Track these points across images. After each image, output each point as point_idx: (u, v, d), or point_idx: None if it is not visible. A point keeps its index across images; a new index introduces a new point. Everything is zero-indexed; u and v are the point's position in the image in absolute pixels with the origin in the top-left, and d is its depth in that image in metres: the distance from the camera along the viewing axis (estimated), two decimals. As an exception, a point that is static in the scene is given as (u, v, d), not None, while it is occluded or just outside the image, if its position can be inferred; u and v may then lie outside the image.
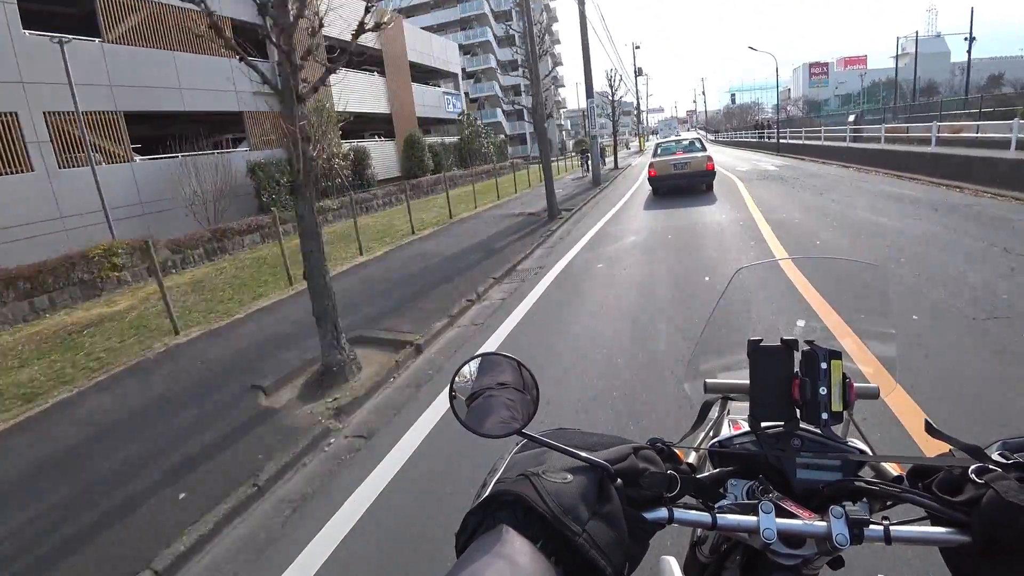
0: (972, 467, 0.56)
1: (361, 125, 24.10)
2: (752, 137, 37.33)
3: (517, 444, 0.63)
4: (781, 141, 25.70)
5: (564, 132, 62.27)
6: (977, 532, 0.53)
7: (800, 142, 23.95)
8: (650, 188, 12.58)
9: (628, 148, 60.73)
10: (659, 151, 12.92)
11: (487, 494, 0.52)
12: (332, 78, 19.32)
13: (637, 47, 49.93)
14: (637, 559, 0.55)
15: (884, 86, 67.99)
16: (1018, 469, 0.56)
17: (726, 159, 24.55)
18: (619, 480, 0.56)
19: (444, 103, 28.21)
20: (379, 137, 22.82)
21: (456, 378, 0.67)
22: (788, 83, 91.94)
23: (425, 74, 28.94)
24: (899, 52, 52.20)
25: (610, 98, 24.95)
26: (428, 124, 30.56)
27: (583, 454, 0.55)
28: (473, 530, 0.50)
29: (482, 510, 0.51)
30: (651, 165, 12.16)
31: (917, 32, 52.26)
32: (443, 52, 28.79)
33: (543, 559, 0.46)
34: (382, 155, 21.25)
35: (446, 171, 23.12)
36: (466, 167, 26.21)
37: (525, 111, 14.78)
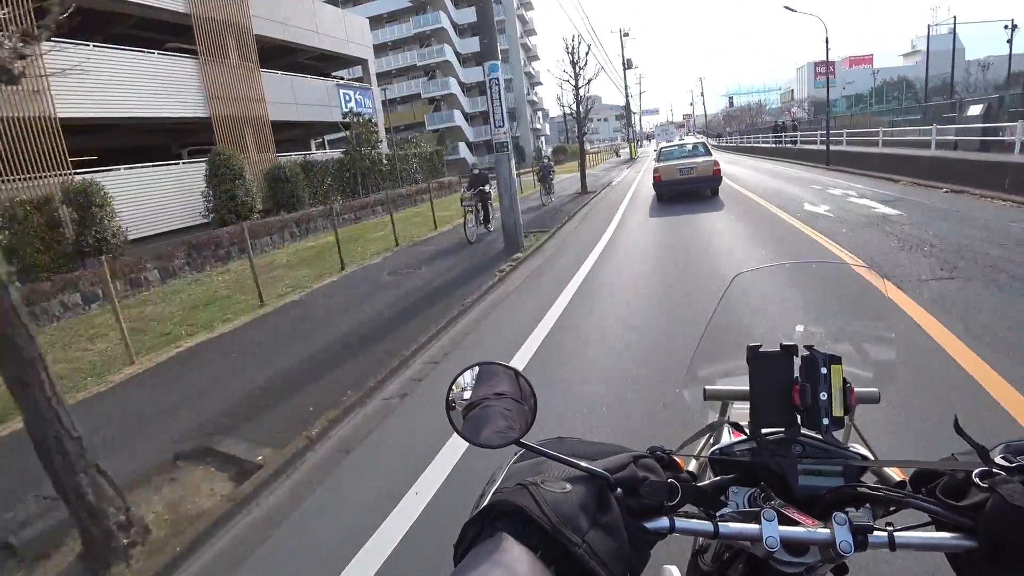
0: (976, 471, 0.56)
1: (172, 137, 15.47)
2: (769, 141, 28.78)
3: (516, 454, 0.62)
4: (832, 148, 16.96)
5: (543, 139, 53.50)
6: (983, 537, 0.52)
7: (871, 151, 15.31)
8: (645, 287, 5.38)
9: (618, 155, 51.92)
10: (662, 156, 12.45)
11: (485, 504, 0.51)
12: (55, 59, 9.59)
13: (626, 35, 41.51)
14: (638, 569, 0.55)
15: (904, 84, 60.47)
16: (1022, 472, 0.54)
17: (756, 177, 15.70)
18: (619, 489, 0.55)
19: (340, 100, 19.41)
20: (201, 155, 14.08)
21: (452, 387, 0.66)
22: (791, 83, 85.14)
23: (319, 60, 20.22)
24: (929, 45, 44.38)
25: (572, 82, 16.04)
26: (312, 132, 21.85)
27: (582, 463, 0.55)
28: (471, 541, 0.49)
29: (480, 520, 0.49)
30: (656, 170, 11.61)
31: (955, 18, 44.28)
32: (337, 26, 19.94)
33: (543, 568, 0.45)
34: (179, 188, 12.41)
35: (305, 207, 14.30)
36: (357, 195, 17.32)
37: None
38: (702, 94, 79.02)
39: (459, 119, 40.35)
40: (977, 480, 0.54)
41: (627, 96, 45.15)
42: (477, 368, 0.66)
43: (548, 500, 0.49)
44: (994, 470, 0.55)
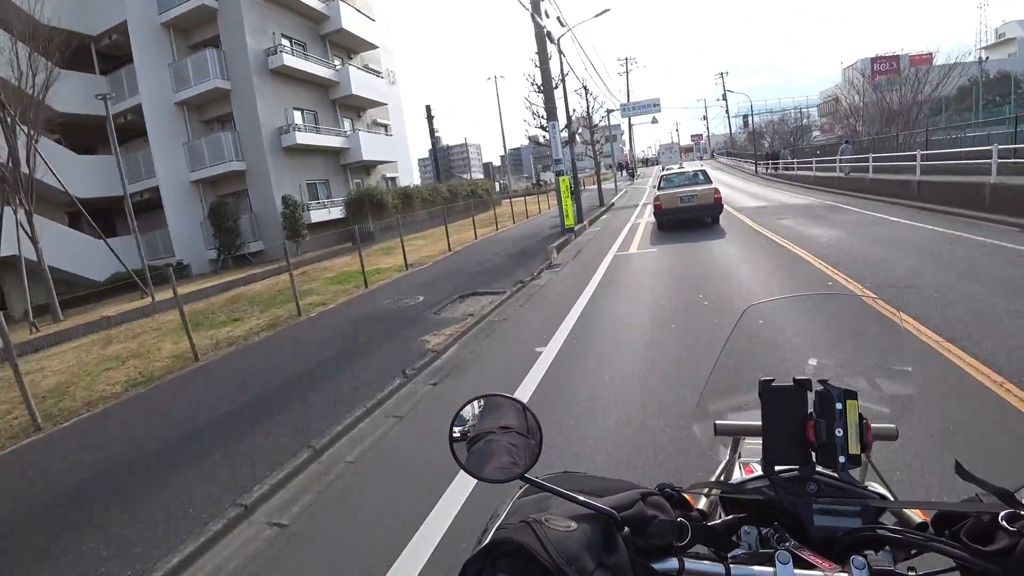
0: (1003, 513, 0.53)
1: None
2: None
3: (520, 488, 0.61)
4: None
5: (396, 176, 27.17)
6: None
7: None
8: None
9: (589, 195, 28.42)
10: (663, 184, 12.84)
11: (487, 541, 0.50)
12: None
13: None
14: None
15: (985, 83, 37.93)
16: None
17: None
18: (626, 528, 0.54)
19: None
20: None
21: (456, 420, 0.64)
22: (835, 87, 60.82)
23: None
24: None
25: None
26: None
27: (589, 501, 0.53)
28: None
29: (481, 559, 0.48)
30: (657, 198, 11.98)
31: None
32: None
33: None
34: None
35: None
36: None
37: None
38: (724, 96, 53.34)
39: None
40: (1004, 523, 0.52)
41: (547, 43, 14.27)
42: (482, 400, 0.65)
43: (552, 539, 0.47)
44: (1022, 512, 0.52)
